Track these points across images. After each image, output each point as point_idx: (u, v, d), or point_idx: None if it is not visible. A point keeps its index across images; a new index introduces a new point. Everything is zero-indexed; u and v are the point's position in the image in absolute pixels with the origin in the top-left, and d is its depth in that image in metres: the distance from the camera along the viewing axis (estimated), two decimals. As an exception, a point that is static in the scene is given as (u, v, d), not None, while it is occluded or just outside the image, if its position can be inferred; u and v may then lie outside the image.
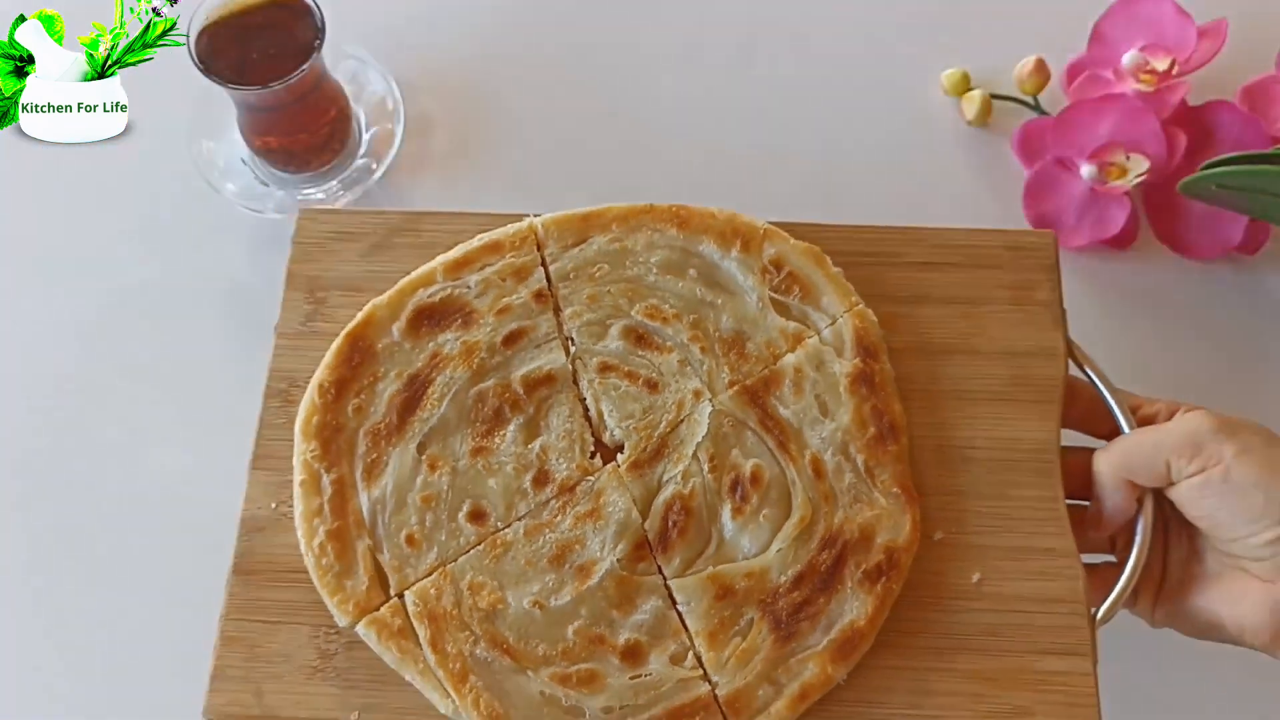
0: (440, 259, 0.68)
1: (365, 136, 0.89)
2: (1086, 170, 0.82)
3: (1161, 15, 0.85)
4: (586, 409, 0.66)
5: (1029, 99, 0.90)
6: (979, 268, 0.70)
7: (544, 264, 0.68)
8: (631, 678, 0.60)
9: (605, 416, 0.65)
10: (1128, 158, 0.81)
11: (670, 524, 0.62)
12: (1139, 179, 0.81)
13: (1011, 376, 0.67)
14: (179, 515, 0.76)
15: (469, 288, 0.67)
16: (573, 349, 0.66)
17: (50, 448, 0.80)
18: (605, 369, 0.66)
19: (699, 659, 0.60)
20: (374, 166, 0.87)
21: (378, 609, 0.61)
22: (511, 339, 0.66)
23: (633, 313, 0.67)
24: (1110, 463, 0.63)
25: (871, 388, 0.65)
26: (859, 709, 0.61)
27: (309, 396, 0.64)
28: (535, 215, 0.69)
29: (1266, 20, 0.90)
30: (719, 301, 0.67)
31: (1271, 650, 0.60)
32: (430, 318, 0.66)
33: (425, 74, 0.92)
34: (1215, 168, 0.75)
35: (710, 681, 0.59)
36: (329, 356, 0.65)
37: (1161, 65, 0.82)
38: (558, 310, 0.67)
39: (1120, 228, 0.83)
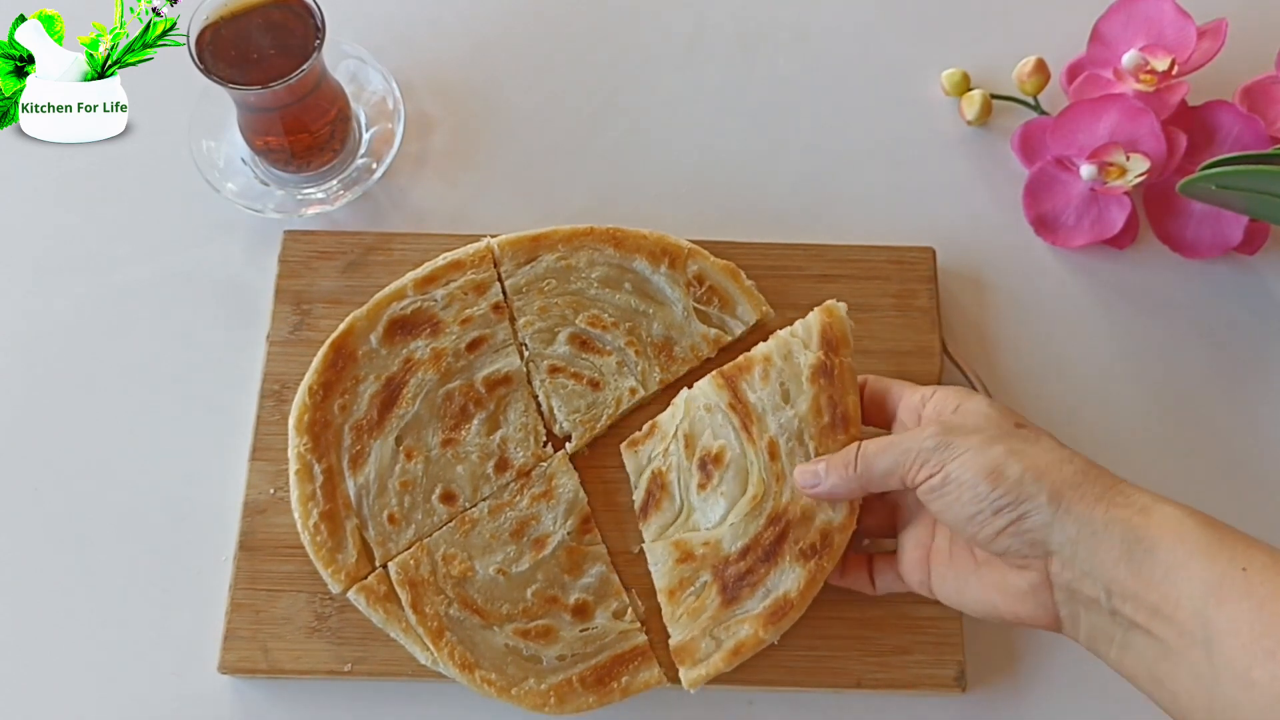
0: (410, 275, 0.77)
1: (365, 136, 0.88)
2: (1086, 170, 0.81)
3: (1161, 15, 0.83)
4: (539, 405, 0.76)
5: (1029, 99, 0.89)
6: (869, 279, 0.81)
7: (500, 280, 0.78)
8: (580, 631, 0.71)
9: (555, 411, 0.76)
10: (1127, 158, 0.80)
11: (650, 495, 0.73)
12: (1139, 179, 0.80)
13: (895, 372, 0.77)
14: (180, 514, 0.77)
15: (436, 301, 0.77)
16: (526, 353, 0.77)
17: (49, 446, 0.79)
18: (554, 370, 0.77)
19: (636, 612, 0.71)
20: (374, 166, 0.86)
21: (365, 578, 0.71)
22: (474, 345, 0.76)
23: (577, 321, 0.77)
24: (856, 477, 0.66)
25: (830, 379, 0.71)
26: (768, 650, 0.70)
27: (300, 397, 0.74)
28: (492, 237, 0.79)
29: (1266, 20, 0.90)
30: (650, 311, 0.78)
31: (1052, 629, 0.61)
32: (403, 327, 0.76)
33: (425, 74, 0.91)
34: (1215, 168, 0.75)
35: (645, 633, 0.71)
36: (316, 362, 0.75)
37: (1161, 65, 0.81)
38: (513, 320, 0.77)
39: (1120, 228, 0.83)
